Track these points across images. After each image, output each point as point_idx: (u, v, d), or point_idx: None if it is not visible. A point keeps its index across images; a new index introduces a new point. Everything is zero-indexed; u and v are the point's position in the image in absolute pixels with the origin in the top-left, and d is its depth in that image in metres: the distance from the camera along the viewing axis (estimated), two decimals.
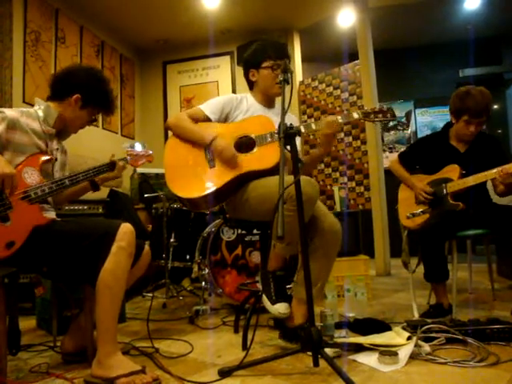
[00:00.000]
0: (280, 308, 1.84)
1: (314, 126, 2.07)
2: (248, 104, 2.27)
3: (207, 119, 2.20)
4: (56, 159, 1.89)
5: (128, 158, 2.09)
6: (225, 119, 2.24)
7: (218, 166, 2.09)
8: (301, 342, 1.65)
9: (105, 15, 4.70)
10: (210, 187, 2.04)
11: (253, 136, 2.11)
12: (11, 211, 1.57)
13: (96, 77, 1.97)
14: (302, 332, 1.81)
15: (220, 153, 2.06)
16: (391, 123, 6.31)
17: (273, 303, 1.85)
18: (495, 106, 6.31)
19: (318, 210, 2.01)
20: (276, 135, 2.04)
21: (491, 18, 5.41)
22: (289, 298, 1.95)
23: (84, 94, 1.89)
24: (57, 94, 1.91)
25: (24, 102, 3.65)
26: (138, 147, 2.16)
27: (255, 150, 2.09)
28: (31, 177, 1.69)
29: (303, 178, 1.79)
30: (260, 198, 1.98)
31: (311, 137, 5.04)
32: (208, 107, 2.22)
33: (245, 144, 2.12)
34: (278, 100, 2.29)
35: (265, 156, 2.05)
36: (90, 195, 2.22)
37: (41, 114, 1.84)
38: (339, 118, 2.04)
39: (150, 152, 2.19)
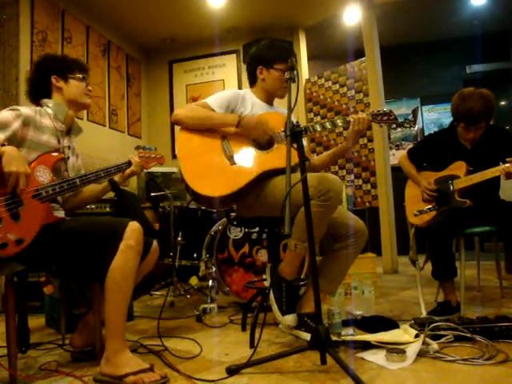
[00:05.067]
0: (289, 320, 1.84)
1: (318, 128, 2.08)
2: (251, 101, 2.25)
3: None
4: (68, 157, 1.91)
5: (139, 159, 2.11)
6: None
7: (239, 163, 2.03)
8: (311, 334, 1.66)
9: (111, 15, 4.71)
10: (235, 185, 1.97)
11: (270, 133, 2.10)
12: (22, 209, 1.59)
13: (47, 56, 2.01)
14: (310, 320, 1.83)
15: (254, 127, 2.06)
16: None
17: (283, 314, 1.85)
18: (503, 103, 6.25)
19: (345, 213, 2.08)
20: None
21: (498, 14, 5.36)
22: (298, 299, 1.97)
23: (55, 72, 1.91)
24: (42, 91, 1.93)
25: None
26: (149, 150, 2.18)
27: (275, 146, 2.08)
28: (43, 175, 1.70)
29: (333, 177, 1.86)
30: (282, 194, 1.97)
31: (324, 138, 5.04)
32: (214, 101, 2.17)
33: (263, 141, 2.10)
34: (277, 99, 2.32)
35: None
36: None
37: (50, 111, 1.87)
38: (339, 121, 2.08)
39: (162, 155, 2.21)
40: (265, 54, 2.25)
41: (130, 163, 2.03)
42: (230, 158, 2.04)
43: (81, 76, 1.97)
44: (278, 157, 2.04)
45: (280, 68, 2.20)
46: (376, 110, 2.15)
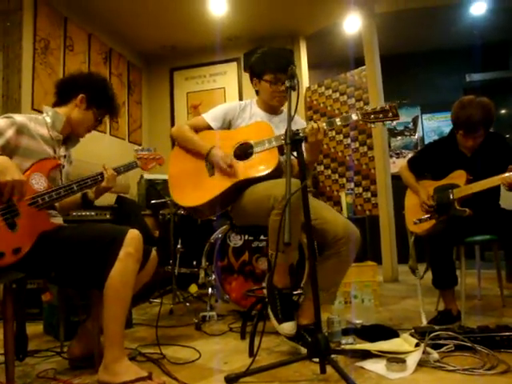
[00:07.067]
0: (286, 328, 1.82)
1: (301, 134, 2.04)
2: (251, 111, 2.28)
3: (209, 127, 2.23)
4: (63, 166, 1.91)
5: (138, 161, 2.10)
6: (228, 127, 2.26)
7: (216, 175, 2.12)
8: (308, 348, 1.65)
9: (113, 23, 4.74)
10: (208, 196, 2.07)
11: (252, 142, 2.12)
12: (18, 218, 1.58)
13: (98, 79, 2.04)
14: (306, 333, 1.81)
15: (217, 163, 2.10)
16: (398, 128, 6.29)
17: (279, 322, 1.84)
18: (503, 111, 6.27)
19: (332, 217, 1.99)
20: (273, 141, 2.05)
21: (498, 23, 5.38)
22: (295, 308, 1.95)
23: (88, 94, 1.93)
24: (62, 97, 1.95)
25: (33, 108, 3.69)
26: (148, 151, 2.18)
27: (253, 156, 2.10)
28: (39, 183, 1.70)
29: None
30: (253, 203, 1.99)
31: (325, 146, 5.05)
32: (210, 116, 2.26)
33: (244, 151, 2.13)
34: (286, 106, 2.30)
35: (261, 163, 2.06)
36: (98, 201, 2.22)
37: (48, 120, 1.87)
38: (324, 124, 1.94)
39: (161, 155, 2.21)
40: (255, 66, 2.29)
41: (103, 178, 1.92)
42: (210, 170, 2.14)
43: (100, 119, 2.01)
44: (252, 167, 2.08)
45: (268, 79, 2.22)
46: (371, 108, 1.99)
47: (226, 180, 2.08)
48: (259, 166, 2.06)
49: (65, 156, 1.94)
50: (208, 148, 2.14)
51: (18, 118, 1.75)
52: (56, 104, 1.96)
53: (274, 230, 1.80)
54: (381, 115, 1.96)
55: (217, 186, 2.08)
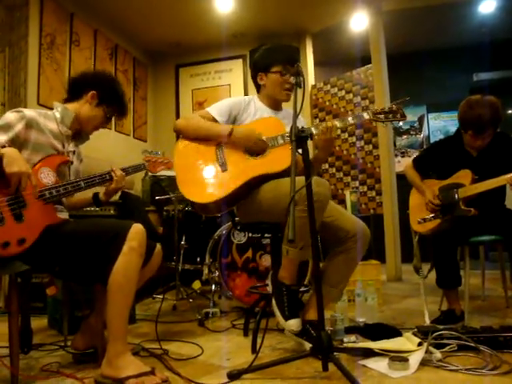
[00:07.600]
0: (293, 325, 1.82)
1: (314, 131, 2.02)
2: (256, 107, 2.26)
3: (214, 121, 2.19)
4: (72, 162, 1.92)
5: (146, 164, 2.10)
6: (233, 122, 2.23)
7: (230, 170, 2.06)
8: (312, 343, 1.65)
9: (119, 19, 4.75)
10: (223, 191, 2.01)
11: (264, 138, 2.09)
12: (25, 209, 1.60)
13: (110, 77, 2.07)
14: (310, 328, 1.82)
15: (246, 139, 2.05)
16: (403, 127, 6.27)
17: (286, 319, 1.83)
18: (510, 111, 6.22)
19: (344, 215, 2.02)
20: (287, 137, 2.03)
21: (506, 21, 5.34)
22: (300, 305, 1.95)
23: (99, 91, 1.95)
24: (73, 94, 1.98)
25: (38, 104, 3.70)
26: (157, 154, 2.16)
27: (267, 152, 2.08)
28: (47, 177, 1.72)
29: (313, 178, 1.77)
30: (272, 199, 1.97)
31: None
32: (215, 109, 2.20)
33: (257, 148, 2.10)
34: (285, 104, 2.30)
35: (277, 159, 2.03)
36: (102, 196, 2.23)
37: (58, 115, 1.89)
38: (337, 123, 1.98)
39: (169, 159, 2.19)
40: (261, 60, 2.27)
41: (111, 177, 1.93)
42: (222, 165, 2.08)
43: (109, 116, 2.02)
44: (268, 162, 2.05)
45: (277, 70, 2.20)
46: (380, 108, 2.06)
47: (240, 175, 2.03)
48: (275, 161, 2.03)
49: (74, 152, 1.96)
50: (228, 130, 2.07)
51: (28, 112, 1.77)
52: (66, 100, 1.98)
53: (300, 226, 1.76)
54: (390, 115, 2.03)
55: (231, 181, 2.02)
